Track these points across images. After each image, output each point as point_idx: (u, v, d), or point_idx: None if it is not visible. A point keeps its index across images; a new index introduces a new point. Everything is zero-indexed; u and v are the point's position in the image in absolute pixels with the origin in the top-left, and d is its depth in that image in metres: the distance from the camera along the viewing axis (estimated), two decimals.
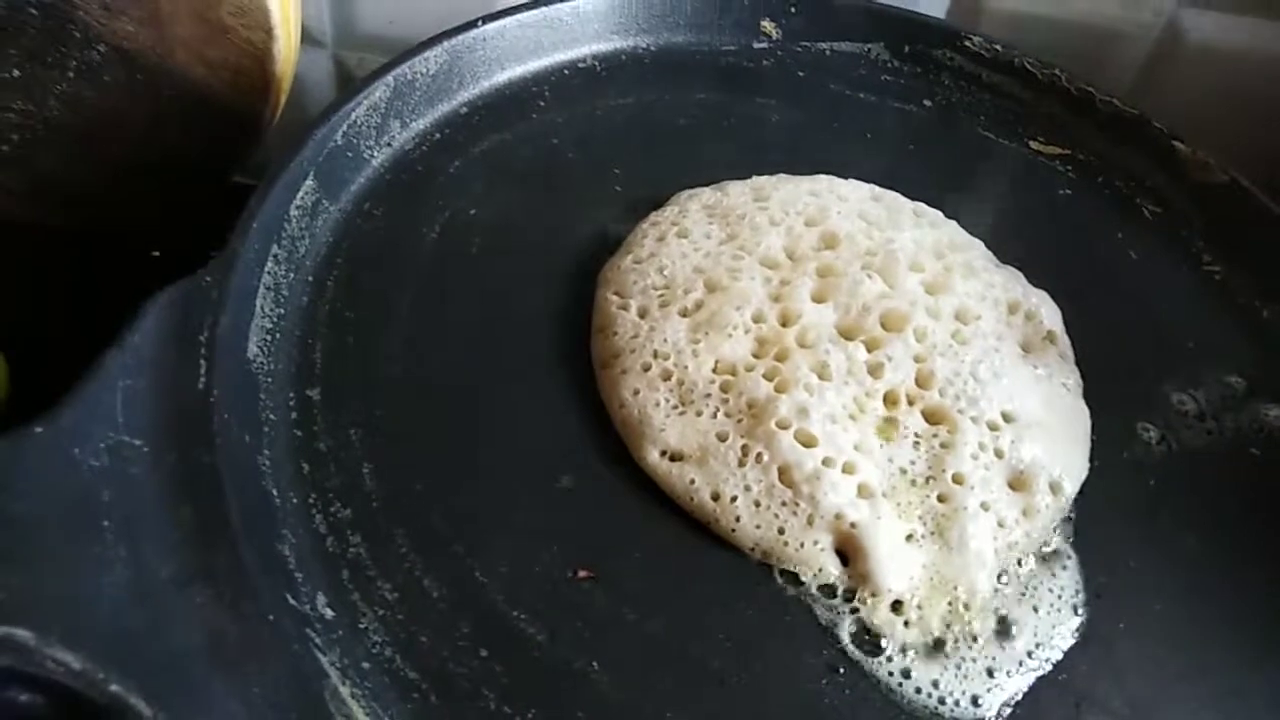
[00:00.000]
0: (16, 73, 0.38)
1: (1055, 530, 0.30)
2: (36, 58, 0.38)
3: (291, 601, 0.25)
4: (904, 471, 0.30)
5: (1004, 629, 0.28)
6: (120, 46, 0.38)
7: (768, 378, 0.30)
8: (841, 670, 0.27)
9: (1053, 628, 0.28)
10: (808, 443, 0.29)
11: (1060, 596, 0.29)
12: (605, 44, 0.43)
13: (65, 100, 0.39)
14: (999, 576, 0.29)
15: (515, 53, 0.41)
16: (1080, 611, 0.29)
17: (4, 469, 0.22)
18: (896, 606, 0.28)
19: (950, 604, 0.28)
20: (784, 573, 0.28)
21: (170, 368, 0.27)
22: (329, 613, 0.25)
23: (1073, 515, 0.31)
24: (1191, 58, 0.49)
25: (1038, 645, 0.28)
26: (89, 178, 0.42)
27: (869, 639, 0.27)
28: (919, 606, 0.28)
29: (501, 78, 0.41)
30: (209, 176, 0.44)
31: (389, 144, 0.37)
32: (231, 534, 0.24)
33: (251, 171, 0.44)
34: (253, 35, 0.39)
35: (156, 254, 0.49)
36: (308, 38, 0.50)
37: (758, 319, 0.32)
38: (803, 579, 0.28)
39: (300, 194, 0.33)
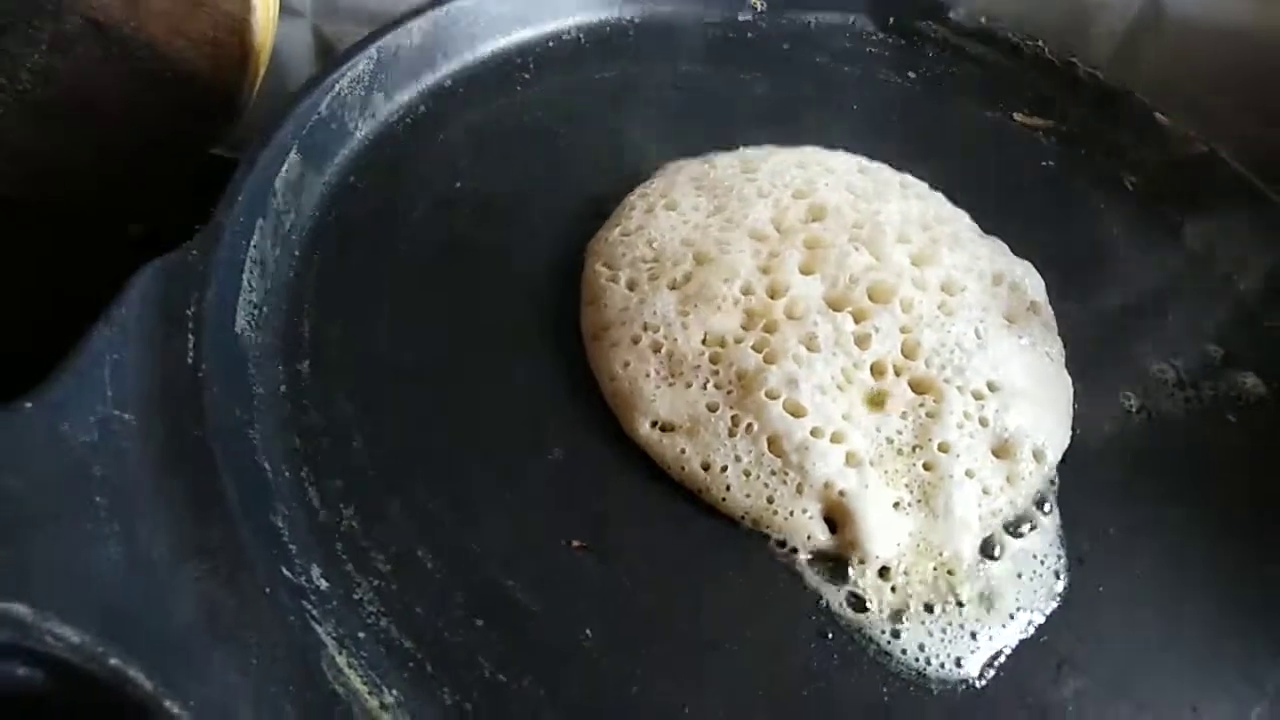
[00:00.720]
0: None
1: (1038, 497, 0.31)
2: (7, 30, 0.37)
3: (287, 573, 0.25)
4: (891, 441, 0.30)
5: (988, 593, 0.29)
6: (93, 19, 0.37)
7: (757, 349, 0.31)
8: (830, 635, 0.27)
9: (1035, 592, 0.29)
10: (796, 412, 0.30)
11: (1043, 562, 0.30)
12: (589, 15, 0.43)
13: (37, 73, 0.38)
14: (983, 542, 0.29)
15: (499, 24, 0.41)
16: (1062, 577, 0.29)
17: None
18: (884, 572, 0.28)
19: (935, 569, 0.29)
20: (774, 540, 0.29)
21: (158, 342, 0.27)
22: (324, 584, 0.25)
23: (1055, 482, 0.31)
24: (1172, 29, 0.50)
25: (1020, 609, 0.29)
26: (65, 152, 0.41)
27: (857, 604, 0.28)
28: (905, 572, 0.28)
29: (485, 50, 0.40)
30: (188, 151, 0.43)
31: (373, 116, 0.37)
32: (225, 508, 0.24)
33: (231, 145, 0.44)
34: (230, 6, 0.38)
35: (136, 229, 0.49)
36: (286, 8, 0.49)
37: (746, 291, 0.32)
38: (792, 546, 0.28)
39: (285, 167, 0.33)
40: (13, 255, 0.46)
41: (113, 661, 0.20)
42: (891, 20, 0.46)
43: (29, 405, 0.23)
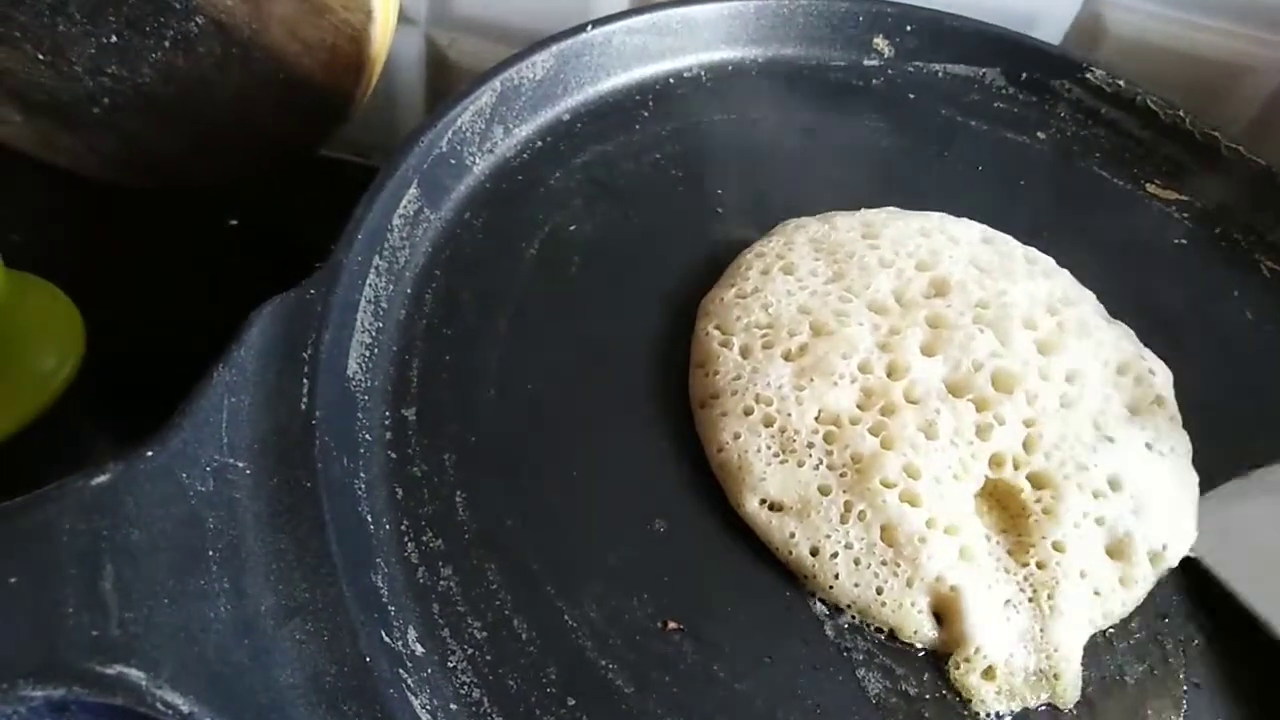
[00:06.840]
0: (114, 39, 0.38)
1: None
2: (135, 25, 0.38)
3: (385, 639, 0.24)
4: (1005, 536, 0.29)
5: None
6: (218, 20, 0.38)
7: (873, 433, 0.30)
8: None
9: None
10: (912, 502, 0.28)
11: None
12: (713, 54, 0.42)
13: (158, 69, 0.39)
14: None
15: (622, 60, 0.40)
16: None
17: (122, 496, 0.22)
18: (989, 673, 0.27)
19: (1042, 671, 0.27)
20: (879, 632, 0.28)
21: (272, 385, 0.26)
22: (419, 649, 0.25)
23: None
24: None
25: None
26: (174, 146, 0.42)
27: (961, 705, 0.27)
28: (1011, 674, 0.27)
29: (606, 85, 0.40)
30: (296, 150, 0.43)
31: (491, 150, 0.36)
32: (330, 565, 0.24)
33: (336, 145, 0.44)
34: (352, 16, 0.38)
35: (234, 223, 0.49)
36: (400, 14, 0.49)
37: (864, 369, 0.31)
38: (898, 640, 0.27)
39: (404, 202, 0.32)
40: (117, 239, 0.46)
41: None
42: (1024, 76, 0.44)
43: (150, 454, 0.23)
